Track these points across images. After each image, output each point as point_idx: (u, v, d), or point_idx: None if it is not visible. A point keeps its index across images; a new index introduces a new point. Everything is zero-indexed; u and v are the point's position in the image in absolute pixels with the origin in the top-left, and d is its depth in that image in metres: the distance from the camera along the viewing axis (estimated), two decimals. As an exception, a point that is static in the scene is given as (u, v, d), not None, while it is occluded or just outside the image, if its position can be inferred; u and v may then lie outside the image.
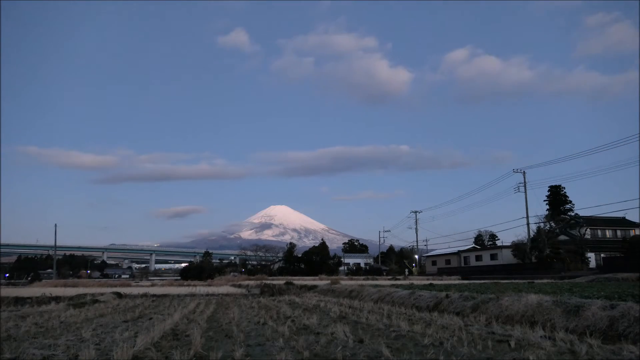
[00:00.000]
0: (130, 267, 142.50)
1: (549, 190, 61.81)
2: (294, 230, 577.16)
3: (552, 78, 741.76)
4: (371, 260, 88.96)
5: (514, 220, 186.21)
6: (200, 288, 28.53)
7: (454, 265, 65.57)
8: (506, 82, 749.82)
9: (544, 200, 62.41)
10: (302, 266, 68.18)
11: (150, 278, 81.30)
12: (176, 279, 61.78)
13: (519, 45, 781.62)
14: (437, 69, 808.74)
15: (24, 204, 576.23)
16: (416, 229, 75.07)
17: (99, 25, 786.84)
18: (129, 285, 35.30)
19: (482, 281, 31.07)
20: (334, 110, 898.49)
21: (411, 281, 33.27)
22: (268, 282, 32.13)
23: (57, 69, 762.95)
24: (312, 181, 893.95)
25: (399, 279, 41.75)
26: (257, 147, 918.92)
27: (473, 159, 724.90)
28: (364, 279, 40.57)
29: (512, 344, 5.85)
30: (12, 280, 73.32)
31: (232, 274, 64.54)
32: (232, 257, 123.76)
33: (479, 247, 75.24)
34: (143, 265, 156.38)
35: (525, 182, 51.95)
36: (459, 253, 67.18)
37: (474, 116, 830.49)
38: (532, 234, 52.08)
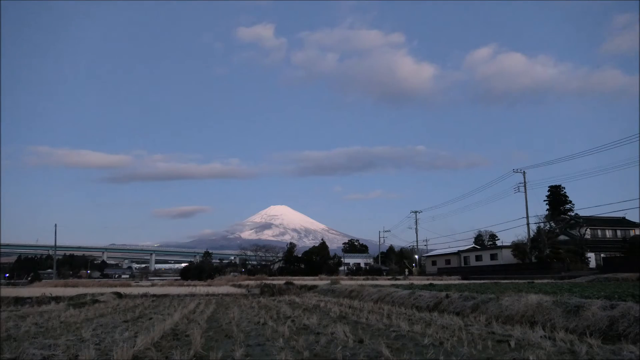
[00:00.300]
0: (130, 267, 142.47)
1: (549, 190, 61.88)
2: (294, 230, 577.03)
3: (575, 77, 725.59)
4: (371, 260, 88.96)
5: (514, 220, 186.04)
6: (200, 288, 28.54)
7: (454, 265, 65.57)
8: (528, 81, 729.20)
9: (544, 200, 62.51)
10: (302, 266, 68.20)
11: (150, 278, 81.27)
12: (176, 279, 61.84)
13: (544, 43, 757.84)
14: (460, 67, 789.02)
15: (25, 204, 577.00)
16: (416, 229, 75.14)
17: (113, 23, 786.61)
18: (129, 285, 35.31)
19: (482, 281, 31.07)
20: (352, 108, 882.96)
21: (411, 281, 33.26)
22: (268, 282, 32.13)
23: (72, 68, 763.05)
24: (325, 180, 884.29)
25: (399, 279, 41.75)
26: (273, 146, 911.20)
27: (489, 160, 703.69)
28: (364, 279, 40.56)
29: (512, 344, 5.85)
30: (12, 280, 73.32)
31: (232, 274, 64.54)
32: (232, 257, 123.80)
33: (479, 247, 75.25)
34: (143, 265, 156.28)
35: (525, 182, 51.97)
36: (459, 253, 67.19)
37: (493, 116, 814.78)
38: (532, 234, 52.10)
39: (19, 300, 17.33)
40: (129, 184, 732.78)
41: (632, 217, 61.29)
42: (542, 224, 54.81)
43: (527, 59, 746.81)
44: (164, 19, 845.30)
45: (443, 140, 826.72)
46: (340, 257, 78.30)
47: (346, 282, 28.19)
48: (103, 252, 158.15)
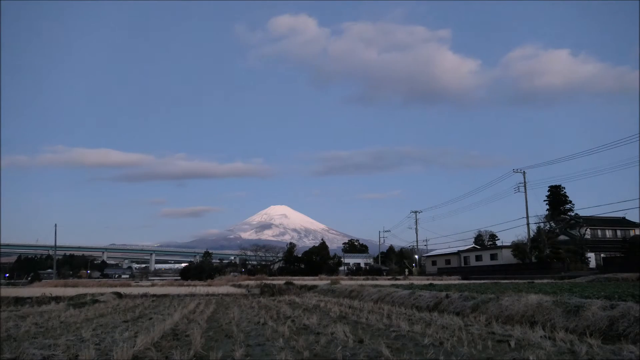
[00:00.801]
0: (130, 267, 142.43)
1: (549, 190, 61.84)
2: (294, 230, 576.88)
3: (612, 76, 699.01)
4: (371, 260, 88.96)
5: (514, 220, 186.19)
6: (200, 288, 28.53)
7: (454, 265, 65.57)
8: (565, 80, 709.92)
9: (544, 200, 62.48)
10: (302, 266, 68.20)
11: (150, 278, 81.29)
12: (176, 279, 61.85)
13: (583, 41, 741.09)
14: (500, 67, 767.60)
15: (26, 204, 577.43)
16: (416, 229, 75.09)
17: (136, 17, 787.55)
18: (129, 285, 35.30)
19: (482, 281, 31.07)
20: (382, 104, 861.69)
21: (411, 281, 33.26)
22: (268, 282, 32.13)
23: (96, 64, 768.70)
24: (347, 180, 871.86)
25: (399, 279, 41.75)
26: (297, 145, 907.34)
27: (517, 160, 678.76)
28: (364, 279, 40.57)
29: (512, 344, 5.85)
30: (12, 280, 73.46)
31: (232, 274, 64.54)
32: (232, 257, 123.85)
33: (479, 247, 75.25)
34: (143, 265, 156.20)
35: (525, 182, 51.98)
36: (459, 253, 67.18)
37: (526, 115, 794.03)
38: (532, 234, 52.10)
39: (19, 300, 17.33)
40: (139, 184, 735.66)
41: (632, 217, 61.34)
42: (542, 224, 54.85)
43: (569, 57, 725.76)
44: (196, 12, 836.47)
45: (473, 140, 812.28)
46: (340, 257, 78.27)
47: (346, 282, 28.19)
48: (103, 252, 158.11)
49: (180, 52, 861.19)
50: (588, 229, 55.56)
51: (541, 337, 6.16)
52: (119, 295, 19.60)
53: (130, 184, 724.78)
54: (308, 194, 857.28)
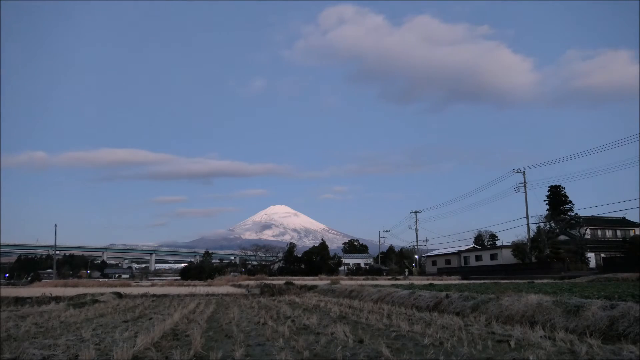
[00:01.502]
0: (130, 267, 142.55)
1: (549, 190, 61.84)
2: (294, 230, 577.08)
3: None
4: (371, 260, 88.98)
5: (514, 220, 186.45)
6: (200, 288, 28.52)
7: (454, 265, 65.57)
8: (618, 81, 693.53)
9: (544, 200, 62.49)
10: (302, 266, 68.23)
11: (150, 278, 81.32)
12: (176, 279, 61.83)
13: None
14: (554, 66, 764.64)
15: (31, 203, 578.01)
16: (416, 229, 75.13)
17: (165, 23, 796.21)
18: (129, 285, 35.31)
19: (482, 281, 31.06)
20: (422, 103, 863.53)
21: (411, 281, 33.25)
22: (268, 282, 32.14)
23: (128, 67, 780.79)
24: (376, 179, 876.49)
25: (399, 279, 41.74)
26: (334, 145, 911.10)
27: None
28: (364, 279, 40.56)
29: (512, 344, 5.84)
30: (12, 280, 73.62)
31: (232, 274, 64.55)
32: (232, 257, 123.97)
33: (479, 247, 75.25)
34: (143, 265, 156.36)
35: (525, 182, 52.03)
36: (459, 253, 67.19)
37: (573, 115, 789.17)
38: (532, 234, 52.11)
39: (19, 300, 17.31)
40: (152, 182, 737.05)
41: (632, 217, 61.26)
42: (542, 224, 54.87)
43: (627, 57, 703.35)
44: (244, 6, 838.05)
45: (514, 138, 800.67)
46: (340, 257, 78.30)
47: (346, 282, 28.16)
48: (103, 252, 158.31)
49: (227, 48, 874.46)
50: (588, 229, 55.55)
51: (541, 337, 6.15)
52: (119, 295, 19.58)
53: (142, 182, 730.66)
54: (326, 191, 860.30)
